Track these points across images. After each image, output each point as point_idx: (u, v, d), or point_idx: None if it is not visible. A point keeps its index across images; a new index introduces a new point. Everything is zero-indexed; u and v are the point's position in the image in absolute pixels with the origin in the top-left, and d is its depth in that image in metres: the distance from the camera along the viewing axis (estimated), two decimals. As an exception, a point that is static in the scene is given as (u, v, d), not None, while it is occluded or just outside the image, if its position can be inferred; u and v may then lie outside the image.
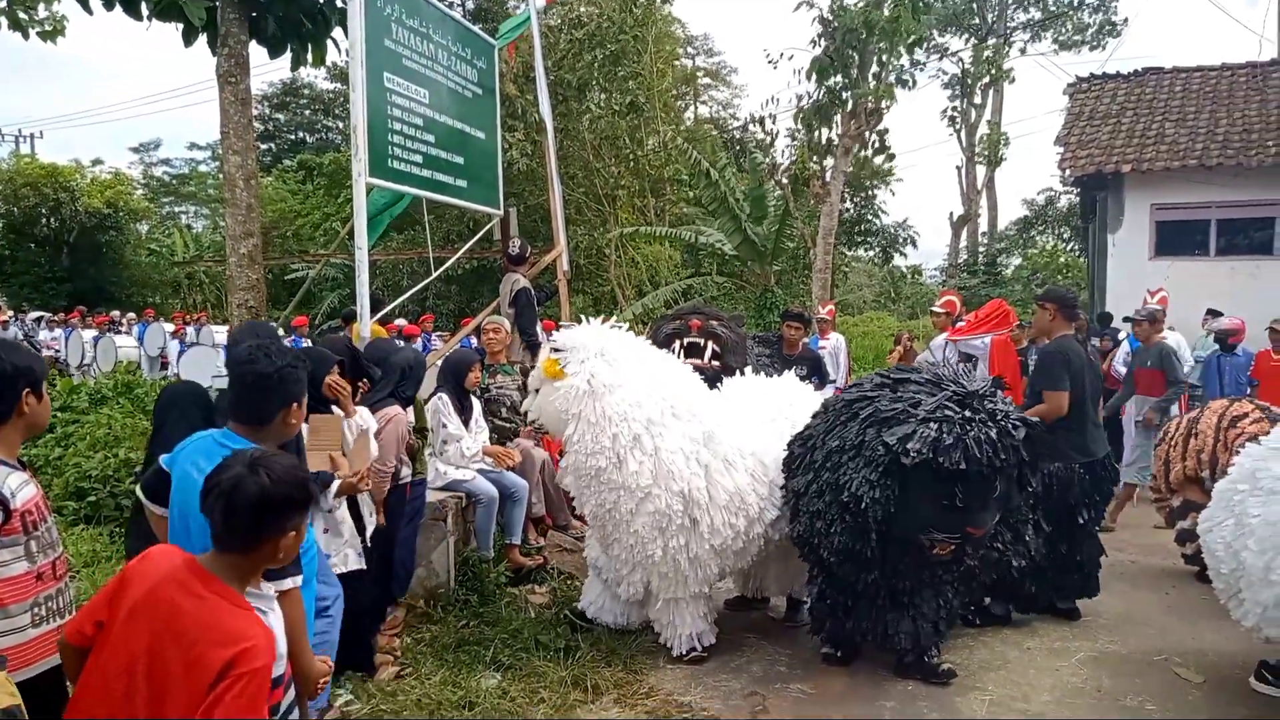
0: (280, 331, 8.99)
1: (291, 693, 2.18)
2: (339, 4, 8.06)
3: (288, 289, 21.49)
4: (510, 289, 7.12)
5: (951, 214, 29.69)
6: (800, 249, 17.98)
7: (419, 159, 6.29)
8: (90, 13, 7.68)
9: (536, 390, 4.43)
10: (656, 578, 4.33)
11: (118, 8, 7.72)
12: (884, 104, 14.08)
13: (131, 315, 17.88)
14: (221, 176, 9.47)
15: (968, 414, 3.80)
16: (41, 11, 8.42)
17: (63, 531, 4.13)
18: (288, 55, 8.40)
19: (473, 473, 5.27)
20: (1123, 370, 8.20)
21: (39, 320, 17.08)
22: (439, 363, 5.78)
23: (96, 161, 27.17)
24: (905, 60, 14.19)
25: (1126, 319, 9.57)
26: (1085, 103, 14.42)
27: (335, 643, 3.33)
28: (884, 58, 13.93)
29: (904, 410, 3.86)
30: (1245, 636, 4.15)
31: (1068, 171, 13.23)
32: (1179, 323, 8.83)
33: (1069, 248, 26.48)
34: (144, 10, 7.71)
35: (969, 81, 22.92)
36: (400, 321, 13.09)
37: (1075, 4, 26.70)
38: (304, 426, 3.01)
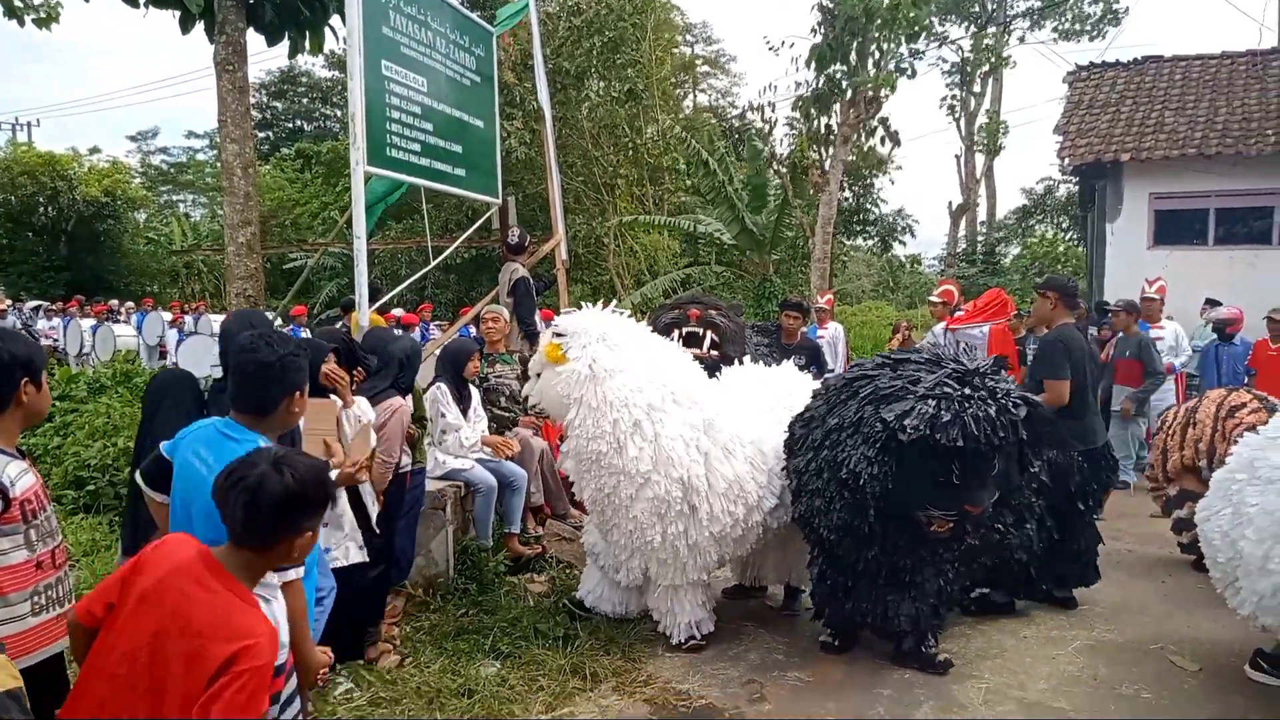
0: (279, 321, 8.98)
1: (293, 681, 2.20)
2: (336, -9, 8.01)
3: (286, 278, 21.48)
4: (509, 278, 7.11)
5: (950, 203, 29.66)
6: (799, 238, 17.96)
7: (417, 147, 6.26)
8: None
9: (538, 375, 4.43)
10: (655, 564, 4.35)
11: (114, -6, 7.66)
12: (883, 92, 14.03)
13: (130, 304, 17.88)
14: (219, 165, 9.43)
15: (967, 391, 3.79)
16: (36, -2, 8.38)
17: (62, 520, 4.14)
18: (285, 43, 8.36)
19: (471, 462, 5.28)
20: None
21: (37, 309, 17.06)
22: (437, 352, 5.78)
23: (94, 150, 27.13)
24: (905, 49, 14.13)
25: (1100, 305, 9.60)
26: (1085, 91, 14.36)
27: (320, 632, 3.34)
28: (884, 46, 13.88)
29: (903, 387, 3.86)
30: (1241, 625, 4.17)
31: (1066, 160, 13.19)
32: (1177, 312, 8.84)
33: (1068, 237, 26.45)
34: (140, -4, 7.66)
35: (969, 70, 22.85)
36: (398, 311, 13.08)
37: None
38: None
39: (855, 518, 3.94)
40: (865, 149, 16.73)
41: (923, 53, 14.49)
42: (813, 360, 6.81)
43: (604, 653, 4.33)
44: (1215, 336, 8.53)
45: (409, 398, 4.30)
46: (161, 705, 1.84)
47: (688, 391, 4.31)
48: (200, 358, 8.13)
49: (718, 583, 5.00)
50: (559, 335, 4.30)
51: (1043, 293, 5.25)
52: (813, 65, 13.79)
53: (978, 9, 27.49)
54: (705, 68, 31.77)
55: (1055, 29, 25.67)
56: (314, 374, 3.38)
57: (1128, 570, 5.81)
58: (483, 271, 19.29)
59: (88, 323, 14.27)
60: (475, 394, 5.50)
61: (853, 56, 13.71)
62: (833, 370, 7.90)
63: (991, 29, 25.60)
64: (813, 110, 14.43)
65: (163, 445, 2.68)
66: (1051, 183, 28.63)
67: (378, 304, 7.26)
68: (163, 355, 13.14)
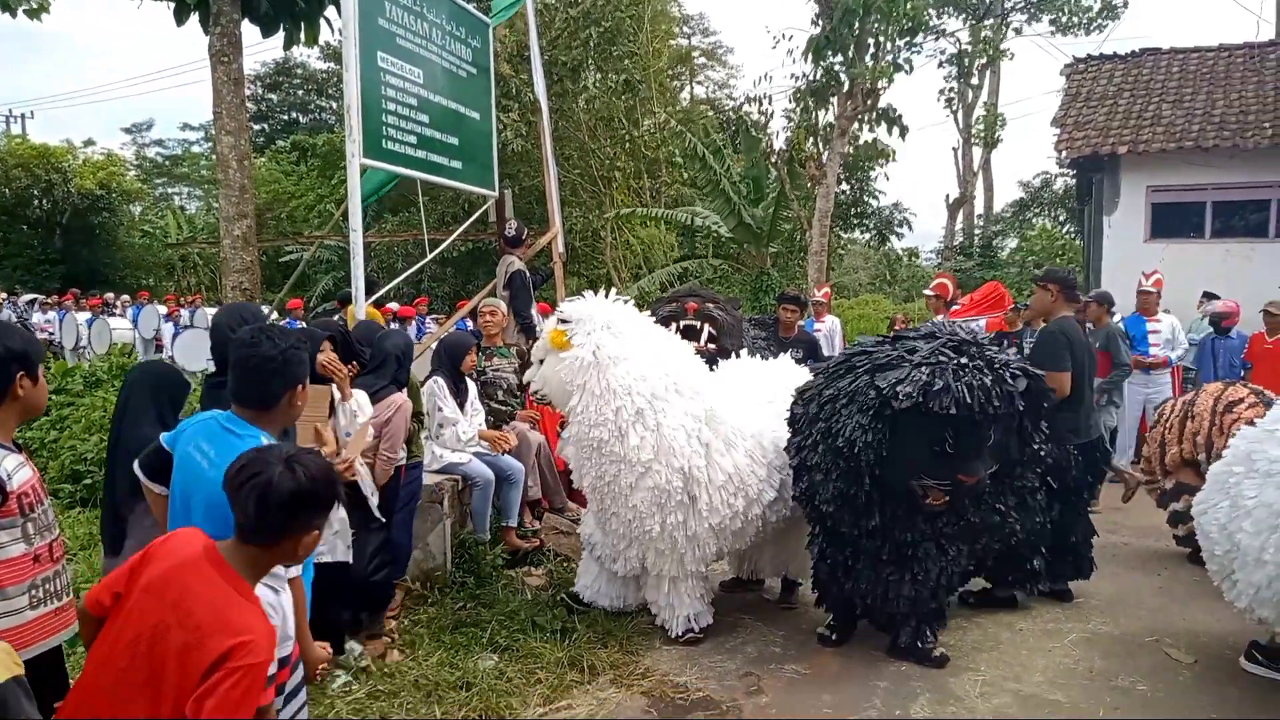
0: (274, 315, 8.96)
1: (299, 673, 2.21)
2: (332, -18, 7.97)
3: (282, 271, 21.44)
4: (505, 271, 7.10)
5: (947, 196, 29.65)
6: (796, 231, 17.95)
7: (413, 140, 6.24)
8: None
9: (540, 361, 4.43)
10: (653, 554, 4.35)
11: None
12: (880, 84, 14.01)
13: (125, 297, 17.81)
14: (214, 157, 9.40)
15: (963, 360, 3.78)
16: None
17: (59, 514, 4.13)
18: (280, 34, 8.33)
19: (469, 455, 5.27)
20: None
21: (32, 303, 16.98)
22: (433, 345, 5.77)
23: (89, 142, 27.02)
24: (902, 43, 14.10)
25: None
26: (1082, 84, 14.35)
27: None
28: (881, 39, 13.85)
29: (899, 357, 3.88)
30: (1236, 618, 4.19)
31: (1064, 153, 13.18)
32: (1174, 305, 8.84)
33: (1065, 230, 26.45)
34: (135, -12, 7.62)
35: (966, 62, 22.79)
36: (394, 304, 13.06)
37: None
38: None
39: (851, 486, 3.94)
40: (863, 142, 16.70)
41: (919, 47, 14.42)
42: (810, 353, 6.80)
43: (602, 646, 4.34)
44: (1212, 330, 8.54)
45: (404, 392, 4.29)
46: (158, 697, 1.85)
47: (690, 382, 4.31)
48: (196, 351, 8.13)
49: (715, 576, 5.01)
50: (564, 321, 4.30)
51: (1043, 285, 5.26)
52: (810, 57, 13.76)
53: (975, 1, 27.42)
54: (702, 59, 31.70)
55: (1053, 22, 25.61)
56: (310, 363, 3.38)
57: (1124, 563, 5.83)
58: (479, 265, 19.25)
59: (83, 316, 14.23)
60: (472, 387, 5.49)
61: (851, 49, 13.68)
62: (830, 363, 7.89)
63: (989, 21, 25.54)
64: (809, 102, 14.40)
65: (163, 436, 2.68)
66: (1049, 176, 28.63)
67: (374, 297, 7.25)
68: (159, 349, 13.12)
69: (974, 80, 27.11)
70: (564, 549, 5.65)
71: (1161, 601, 5.12)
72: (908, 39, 14.14)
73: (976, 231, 28.68)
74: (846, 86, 14.06)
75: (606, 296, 4.47)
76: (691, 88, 30.38)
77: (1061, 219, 27.76)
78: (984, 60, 22.06)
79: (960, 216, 29.49)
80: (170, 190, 36.19)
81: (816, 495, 4.10)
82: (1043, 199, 29.27)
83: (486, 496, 5.31)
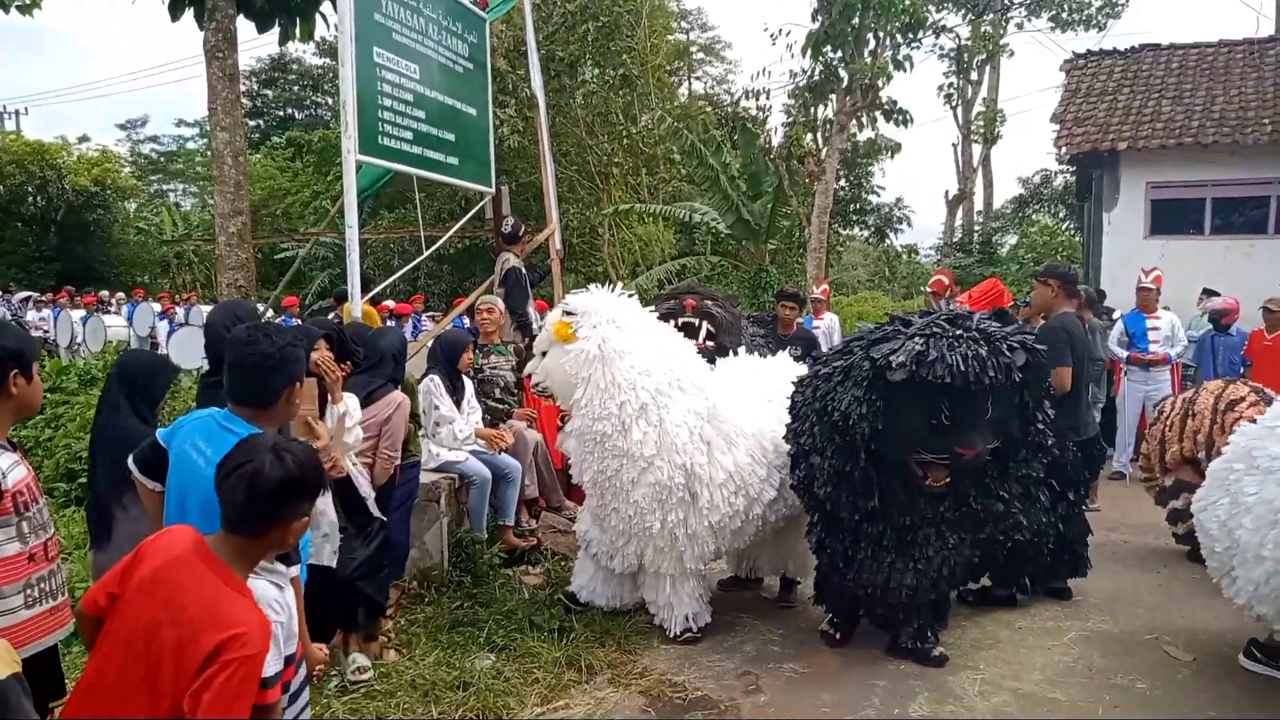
0: (269, 313, 8.93)
1: (303, 671, 2.21)
2: (327, -23, 7.93)
3: (277, 268, 21.38)
4: (501, 268, 7.08)
5: (947, 192, 29.62)
6: (795, 227, 17.94)
7: (409, 136, 6.21)
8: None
9: (543, 353, 4.40)
10: (652, 551, 4.32)
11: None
12: (879, 81, 13.98)
13: (120, 295, 17.77)
14: (210, 153, 9.36)
15: (959, 332, 3.77)
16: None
17: (54, 513, 4.10)
18: (276, 30, 8.29)
19: (465, 454, 5.25)
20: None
21: (26, 300, 16.93)
22: (429, 343, 5.74)
23: (83, 139, 27.00)
24: (901, 40, 14.06)
25: (1098, 293, 9.60)
26: (1082, 80, 14.33)
27: None
28: (880, 34, 13.82)
29: (894, 331, 3.88)
30: (1235, 615, 4.18)
31: (1063, 149, 13.17)
32: (1173, 302, 8.83)
33: (1065, 226, 26.44)
34: (129, -17, 7.58)
35: (965, 58, 22.76)
36: (390, 302, 13.02)
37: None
38: None
39: (847, 463, 3.92)
40: (866, 138, 16.69)
41: (918, 43, 14.35)
42: (808, 351, 6.78)
43: (599, 645, 4.32)
44: (1211, 327, 8.53)
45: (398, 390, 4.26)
46: (156, 694, 1.85)
47: (692, 379, 4.30)
48: (191, 349, 8.10)
49: (713, 575, 5.00)
50: (569, 314, 4.28)
51: (1044, 280, 5.25)
52: (809, 53, 13.73)
53: (974, -4, 27.37)
54: (700, 55, 31.64)
55: (1052, 19, 25.57)
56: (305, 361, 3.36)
57: (1123, 561, 5.82)
58: (476, 261, 19.20)
59: (78, 314, 14.18)
60: (469, 385, 5.47)
61: (850, 44, 13.64)
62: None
63: (988, 16, 25.50)
64: (807, 97, 14.38)
65: (159, 432, 2.67)
66: (1048, 172, 28.62)
67: (370, 294, 7.22)
68: (154, 346, 13.08)
69: (974, 76, 27.08)
70: (561, 547, 5.63)
71: (1160, 599, 5.11)
72: (907, 35, 14.09)
73: (976, 228, 28.65)
74: (846, 82, 14.03)
75: (612, 290, 4.45)
76: (690, 83, 30.34)
77: (1061, 215, 27.75)
78: (983, 56, 22.05)
79: (960, 213, 29.48)
80: (165, 187, 36.10)
81: (814, 480, 4.07)
82: (1042, 195, 29.25)
83: (483, 495, 5.28)
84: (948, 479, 3.88)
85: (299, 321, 10.61)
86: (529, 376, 4.83)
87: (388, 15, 5.97)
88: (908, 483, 3.94)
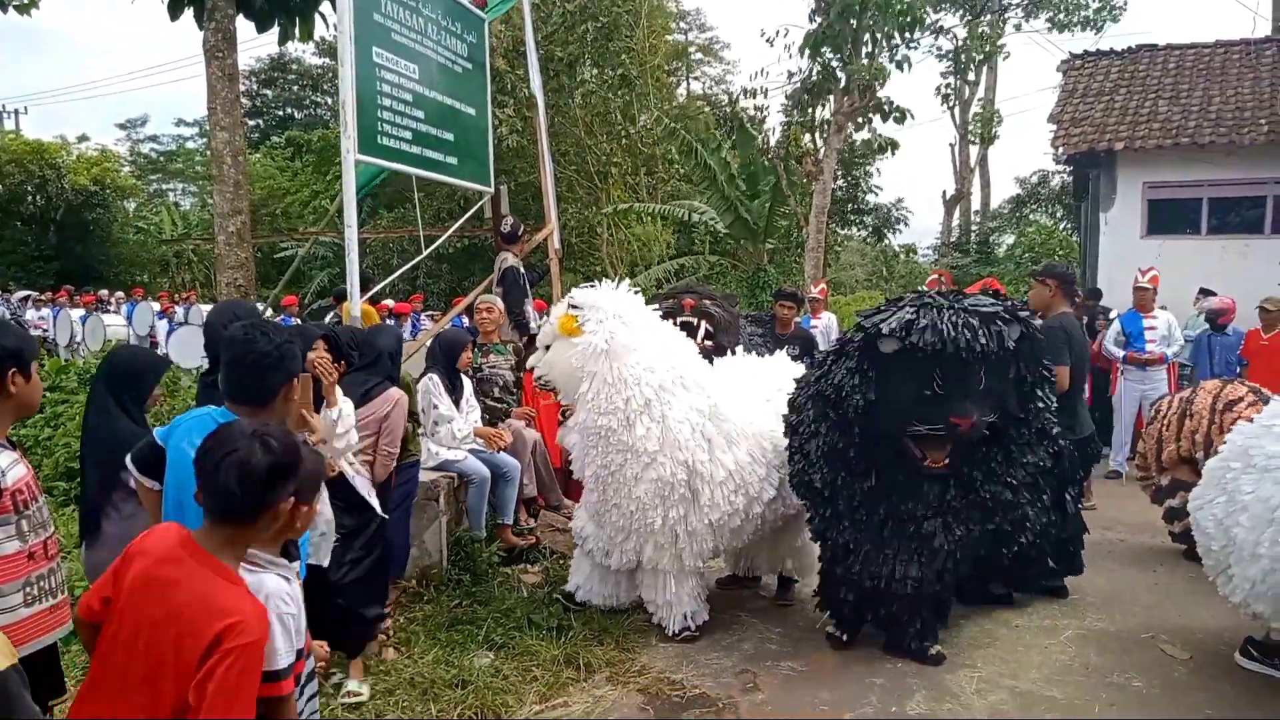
0: (269, 312, 8.94)
1: (311, 662, 2.21)
2: (326, -23, 7.94)
3: (277, 267, 21.37)
4: (499, 267, 7.09)
5: (944, 192, 29.64)
6: (793, 227, 17.94)
7: (409, 135, 6.22)
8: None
9: (547, 347, 4.41)
10: (651, 547, 4.33)
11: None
12: (877, 81, 13.98)
13: (120, 294, 17.77)
14: (209, 153, 9.37)
15: (951, 304, 3.79)
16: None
17: (53, 512, 4.11)
18: (275, 30, 8.29)
19: (464, 453, 5.26)
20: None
21: (26, 299, 16.93)
22: (428, 342, 5.75)
23: (83, 138, 27.00)
24: (899, 40, 14.06)
25: (1093, 291, 9.60)
26: (1079, 80, 14.34)
27: None
28: (878, 34, 13.82)
29: (887, 305, 3.93)
30: (1231, 614, 4.20)
31: (1060, 149, 13.17)
32: (1170, 301, 8.84)
33: (1062, 226, 26.45)
34: (128, -17, 7.59)
35: (963, 59, 22.77)
36: (389, 302, 13.02)
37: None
38: None
39: (840, 439, 3.93)
40: (864, 138, 16.68)
41: (916, 44, 14.34)
42: (806, 350, 6.80)
43: (597, 643, 4.33)
44: (1208, 326, 8.55)
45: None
46: (158, 692, 1.85)
47: (694, 377, 4.32)
48: (191, 348, 8.10)
49: (711, 573, 5.01)
50: (575, 308, 4.29)
51: (1042, 280, 5.27)
52: (806, 53, 13.74)
53: (973, -3, 27.37)
54: (699, 55, 31.64)
55: (1050, 20, 25.59)
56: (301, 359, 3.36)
57: (1119, 560, 5.84)
58: (475, 261, 19.21)
59: (77, 313, 14.18)
60: (468, 384, 5.48)
61: (848, 44, 13.65)
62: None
63: (986, 17, 25.51)
64: (805, 98, 14.38)
65: (156, 431, 2.68)
66: (1046, 172, 28.63)
67: (369, 294, 7.23)
68: (153, 345, 13.08)
69: (971, 76, 27.11)
70: (560, 546, 5.65)
71: (1157, 598, 5.12)
72: (905, 36, 14.09)
73: (973, 228, 28.68)
74: (843, 83, 14.04)
75: (617, 287, 4.46)
76: (688, 83, 30.34)
77: (1058, 215, 27.76)
78: (981, 57, 22.07)
79: (957, 213, 29.49)
80: (165, 186, 36.07)
81: (812, 467, 4.07)
82: (1040, 195, 29.26)
83: (482, 494, 5.29)
84: (947, 460, 3.85)
85: (298, 321, 10.63)
86: (528, 374, 4.84)
87: (387, 15, 5.97)
88: (907, 464, 3.90)
